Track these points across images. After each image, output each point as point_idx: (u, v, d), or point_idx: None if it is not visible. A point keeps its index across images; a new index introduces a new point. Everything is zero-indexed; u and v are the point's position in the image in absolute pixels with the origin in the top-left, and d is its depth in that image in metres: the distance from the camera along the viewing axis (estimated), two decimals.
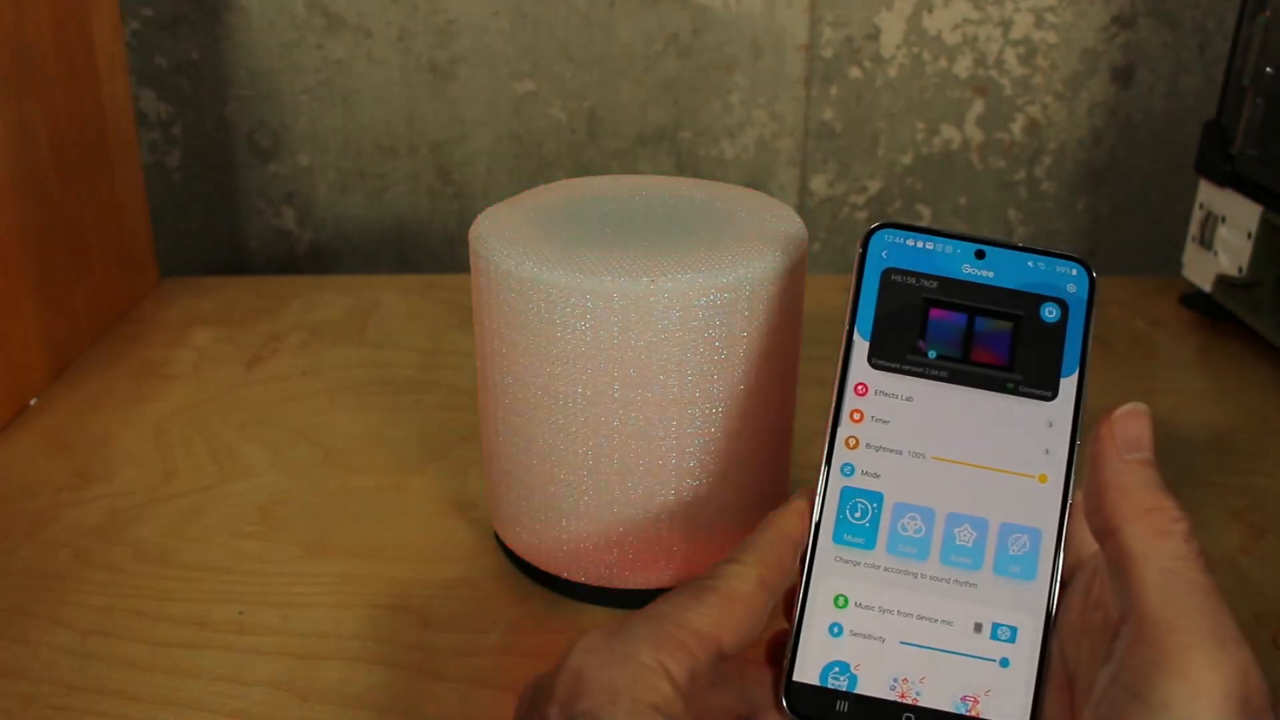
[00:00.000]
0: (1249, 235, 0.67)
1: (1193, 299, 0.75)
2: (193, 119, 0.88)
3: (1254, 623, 0.45)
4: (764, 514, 0.46)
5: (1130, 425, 0.30)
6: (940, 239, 0.34)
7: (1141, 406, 0.31)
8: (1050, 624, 0.31)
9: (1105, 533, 0.29)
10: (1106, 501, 0.29)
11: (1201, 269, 0.73)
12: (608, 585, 0.45)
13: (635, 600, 0.45)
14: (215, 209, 0.91)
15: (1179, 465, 0.57)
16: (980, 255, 0.34)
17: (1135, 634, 0.27)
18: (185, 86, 0.87)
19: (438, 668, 0.42)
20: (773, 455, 0.45)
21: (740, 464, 0.43)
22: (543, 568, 0.46)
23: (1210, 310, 0.73)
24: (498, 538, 0.49)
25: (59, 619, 0.45)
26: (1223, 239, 0.70)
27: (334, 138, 0.88)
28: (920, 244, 0.34)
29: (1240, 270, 0.68)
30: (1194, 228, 0.74)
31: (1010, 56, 0.87)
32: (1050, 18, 0.86)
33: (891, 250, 0.34)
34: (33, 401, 0.63)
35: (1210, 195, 0.72)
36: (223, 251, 0.92)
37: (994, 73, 0.88)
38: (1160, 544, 0.28)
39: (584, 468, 0.42)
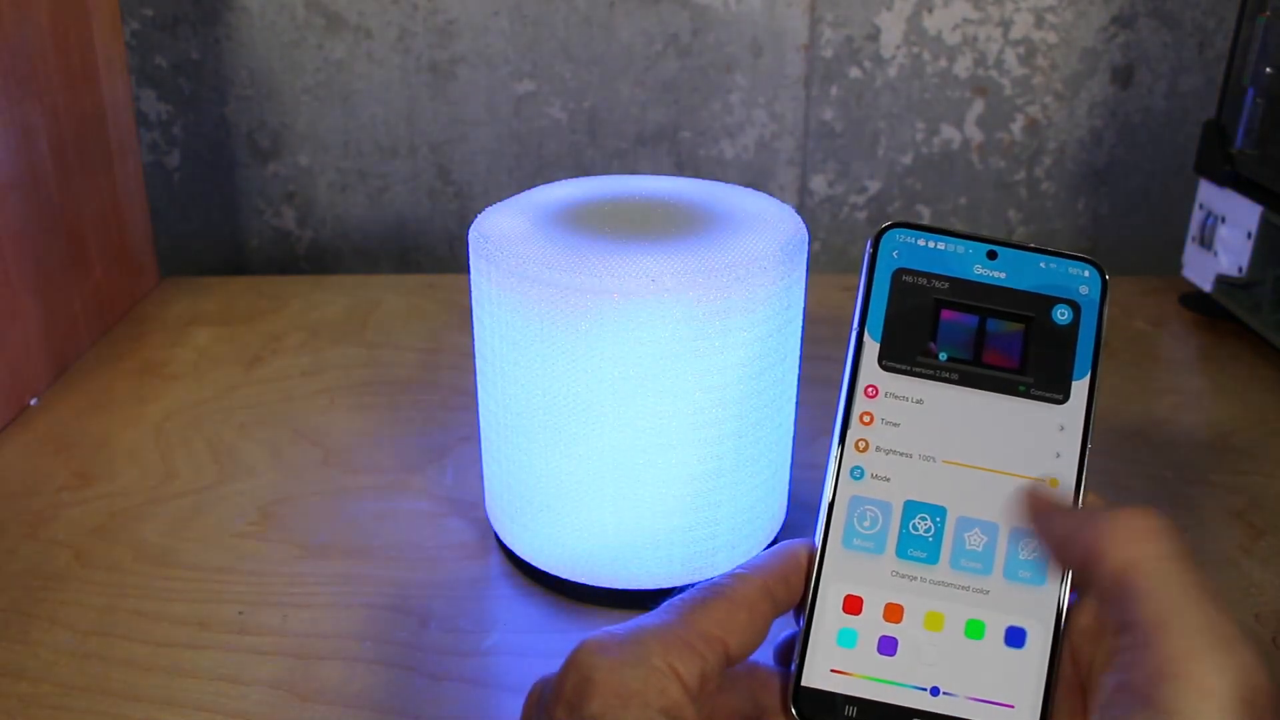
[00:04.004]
0: (1249, 235, 0.67)
1: (1193, 299, 0.75)
2: (193, 119, 0.88)
3: (1254, 622, 0.45)
4: (764, 514, 0.46)
5: (1042, 495, 0.31)
6: (952, 239, 0.34)
7: (1034, 486, 0.32)
8: (1061, 628, 0.31)
9: (1093, 567, 0.29)
10: (1077, 546, 0.29)
11: (1201, 269, 0.73)
12: (608, 585, 0.45)
13: (635, 600, 0.45)
14: (215, 209, 0.91)
15: (1179, 465, 0.57)
16: (992, 256, 0.34)
17: (1139, 642, 0.27)
18: (185, 86, 0.87)
19: (438, 668, 0.42)
20: (773, 455, 0.45)
21: (740, 464, 0.43)
22: (543, 568, 0.46)
23: (1210, 310, 0.73)
24: (498, 538, 0.49)
25: (59, 619, 0.45)
26: (1223, 239, 0.70)
27: (334, 138, 0.88)
28: (932, 244, 0.34)
29: (1240, 270, 0.68)
30: (1194, 228, 0.74)
31: (1010, 56, 0.87)
32: (1050, 18, 0.86)
33: (903, 250, 0.34)
34: (33, 401, 0.63)
35: (1210, 195, 0.72)
36: (223, 251, 0.92)
37: (994, 73, 0.87)
38: (1142, 548, 0.28)
39: (584, 468, 0.42)
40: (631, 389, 0.41)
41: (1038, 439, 0.32)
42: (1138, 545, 0.28)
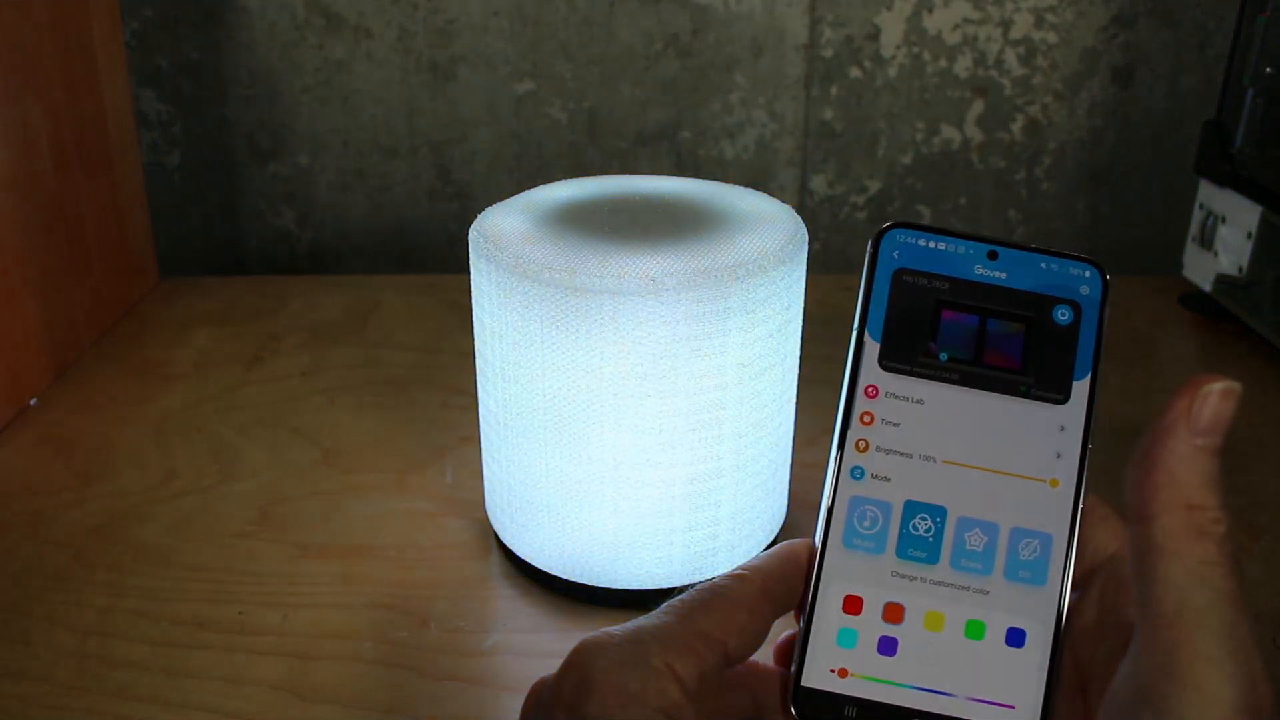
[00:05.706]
0: (1249, 235, 0.67)
1: (1193, 299, 0.75)
2: (193, 119, 0.88)
3: (1254, 622, 0.45)
4: (764, 514, 0.46)
5: (1213, 406, 0.27)
6: (952, 239, 0.34)
7: (1236, 387, 0.27)
8: (1060, 629, 0.31)
9: (1139, 517, 0.27)
10: (1150, 483, 0.27)
11: (1201, 269, 0.73)
12: (608, 585, 0.45)
13: (635, 600, 0.45)
14: (215, 209, 0.91)
15: None
16: (993, 256, 0.34)
17: (1149, 637, 0.26)
18: (185, 86, 0.87)
19: (438, 668, 0.42)
20: (773, 455, 0.45)
21: (740, 464, 0.43)
22: (542, 568, 0.46)
23: (1210, 310, 0.73)
24: (497, 538, 0.49)
25: (59, 619, 0.45)
26: (1223, 239, 0.70)
27: (334, 138, 0.88)
28: (932, 244, 0.34)
29: (1240, 270, 0.68)
30: (1194, 228, 0.74)
31: (1010, 56, 0.87)
32: (1050, 18, 0.86)
33: (903, 250, 0.34)
34: (33, 401, 0.63)
35: (1210, 195, 0.72)
36: (223, 251, 0.92)
37: (994, 73, 0.87)
38: (1192, 544, 0.26)
39: (584, 468, 0.42)
40: (631, 389, 0.41)
41: (1038, 439, 0.32)
42: (1190, 539, 0.26)
